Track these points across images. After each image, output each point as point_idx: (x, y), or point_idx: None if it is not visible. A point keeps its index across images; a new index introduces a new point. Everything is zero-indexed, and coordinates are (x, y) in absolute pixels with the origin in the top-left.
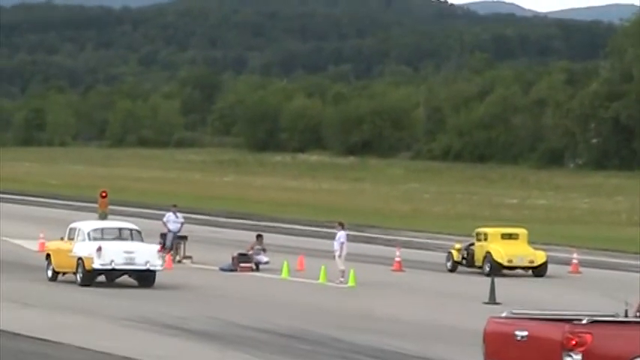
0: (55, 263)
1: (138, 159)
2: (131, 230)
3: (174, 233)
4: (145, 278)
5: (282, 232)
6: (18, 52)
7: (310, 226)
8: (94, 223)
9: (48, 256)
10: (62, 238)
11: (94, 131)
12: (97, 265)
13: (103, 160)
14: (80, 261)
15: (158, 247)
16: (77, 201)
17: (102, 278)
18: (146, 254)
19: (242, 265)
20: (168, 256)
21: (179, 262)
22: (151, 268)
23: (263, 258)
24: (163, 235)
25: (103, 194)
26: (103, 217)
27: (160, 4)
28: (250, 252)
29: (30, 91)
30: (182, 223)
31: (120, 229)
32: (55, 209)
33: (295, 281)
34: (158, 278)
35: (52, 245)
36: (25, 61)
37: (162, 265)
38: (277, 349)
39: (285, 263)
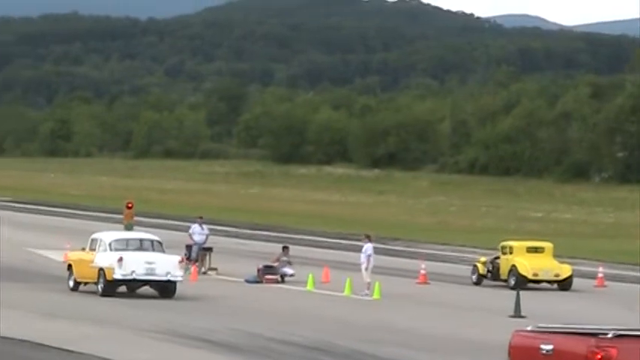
0: (77, 273)
1: (163, 170)
2: (152, 241)
3: (200, 245)
4: (165, 289)
5: (308, 245)
6: (44, 63)
7: (335, 238)
8: (115, 234)
9: (69, 266)
10: (84, 249)
11: (119, 142)
12: (118, 275)
13: (128, 171)
14: (101, 271)
15: (179, 258)
16: (102, 212)
17: (123, 289)
18: (167, 265)
19: (267, 276)
20: (193, 268)
21: (204, 273)
22: (172, 278)
23: (288, 270)
24: (189, 247)
25: (129, 205)
26: (129, 228)
27: (185, 15)
28: (276, 264)
29: (55, 102)
30: (207, 235)
31: (141, 240)
32: (80, 220)
33: (320, 293)
34: (183, 289)
35: (74, 256)
36: (50, 72)
37: (182, 276)
38: None
39: (311, 275)
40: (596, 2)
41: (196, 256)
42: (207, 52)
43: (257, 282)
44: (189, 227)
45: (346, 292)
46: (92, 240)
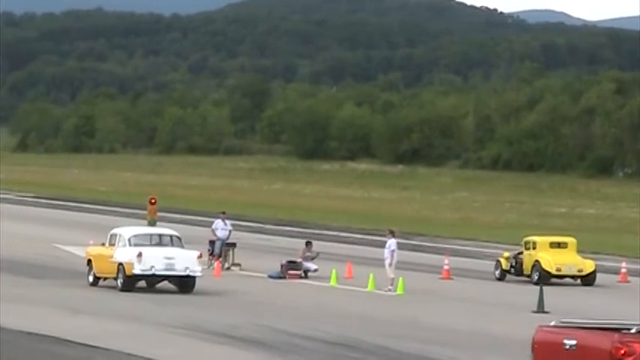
0: (96, 269)
1: (187, 166)
2: (171, 236)
3: (223, 240)
4: (184, 284)
5: (331, 240)
6: (68, 59)
7: (359, 234)
8: (134, 229)
9: (89, 261)
10: (103, 244)
11: (143, 138)
12: (137, 270)
13: (152, 167)
14: (121, 266)
15: (198, 253)
16: (126, 208)
17: (142, 284)
18: (186, 260)
19: (290, 272)
20: (217, 264)
21: (228, 269)
22: (191, 274)
23: (312, 266)
24: (212, 243)
25: (152, 201)
26: (152, 223)
27: (209, 11)
28: (300, 260)
29: (79, 98)
30: (230, 231)
31: (160, 235)
32: (104, 216)
33: (344, 289)
34: (207, 285)
35: (94, 251)
36: (74, 68)
37: (201, 272)
38: (326, 357)
39: (334, 271)
40: None
41: (219, 251)
42: (230, 48)
43: (280, 277)
44: (212, 223)
45: (370, 288)
46: (111, 235)
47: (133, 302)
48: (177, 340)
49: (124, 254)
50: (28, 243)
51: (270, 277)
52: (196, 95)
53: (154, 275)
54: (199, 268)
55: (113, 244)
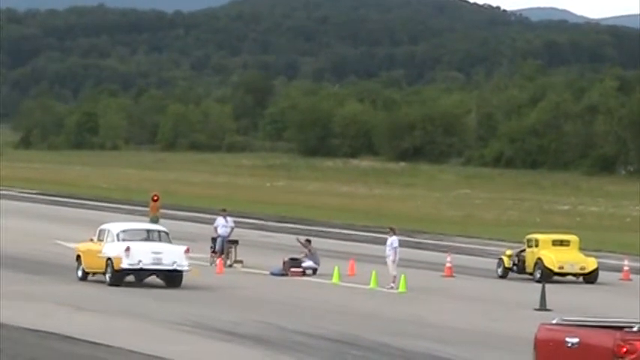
0: (85, 264)
1: (189, 163)
2: (159, 232)
3: (224, 238)
4: (172, 278)
5: (333, 237)
6: (70, 56)
7: (361, 231)
8: (122, 225)
9: (78, 256)
10: (92, 239)
11: (145, 135)
12: (125, 265)
13: (154, 164)
14: (109, 261)
15: (185, 248)
16: (128, 204)
17: (131, 278)
18: (173, 255)
19: (293, 269)
20: (219, 260)
21: (230, 266)
22: (178, 268)
23: (309, 261)
24: (214, 239)
25: (155, 198)
26: (155, 220)
27: (212, 8)
28: (302, 257)
29: (82, 95)
30: (232, 228)
31: (148, 231)
32: (106, 213)
33: (346, 286)
34: (209, 282)
35: (83, 246)
36: (77, 65)
37: (189, 266)
38: (328, 354)
39: (336, 268)
40: None
41: (221, 248)
42: (233, 45)
43: (283, 275)
44: (214, 220)
45: (372, 285)
46: (100, 231)
47: (136, 299)
48: (180, 337)
49: (112, 249)
50: (30, 239)
51: (273, 274)
52: (199, 92)
53: (141, 270)
54: (186, 263)
55: (102, 240)
